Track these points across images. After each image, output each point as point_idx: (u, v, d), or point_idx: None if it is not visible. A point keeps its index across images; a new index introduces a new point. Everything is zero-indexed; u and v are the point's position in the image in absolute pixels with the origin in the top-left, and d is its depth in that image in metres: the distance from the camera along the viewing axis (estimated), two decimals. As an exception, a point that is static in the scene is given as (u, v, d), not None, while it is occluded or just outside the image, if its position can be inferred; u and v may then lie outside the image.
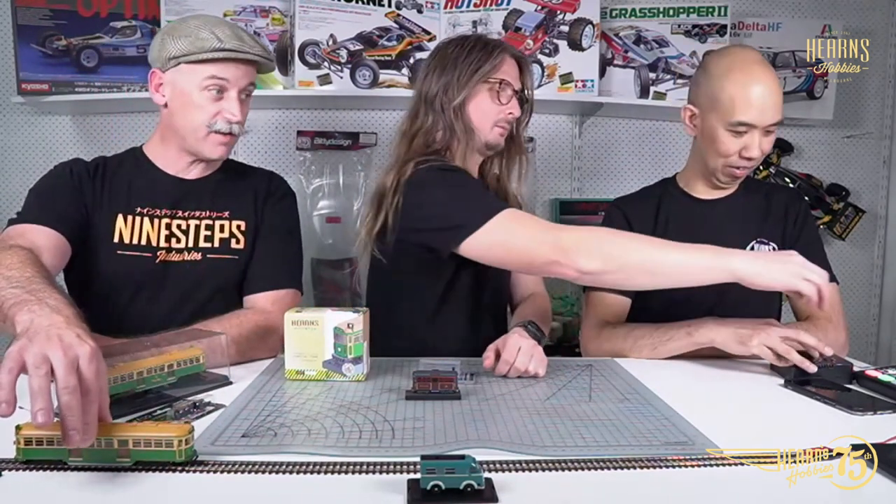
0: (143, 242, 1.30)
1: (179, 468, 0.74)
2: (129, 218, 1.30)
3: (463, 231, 1.20)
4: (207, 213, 1.36)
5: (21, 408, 0.92)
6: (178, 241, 1.33)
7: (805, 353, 1.16)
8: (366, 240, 1.39)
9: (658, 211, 1.51)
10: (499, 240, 1.19)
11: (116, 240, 1.29)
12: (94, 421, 0.70)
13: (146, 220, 1.31)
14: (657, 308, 1.47)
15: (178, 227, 1.33)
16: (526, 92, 1.42)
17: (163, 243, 1.31)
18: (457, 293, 1.43)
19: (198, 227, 1.34)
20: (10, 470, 0.73)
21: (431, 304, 1.42)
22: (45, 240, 1.18)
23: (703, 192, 1.50)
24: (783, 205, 1.48)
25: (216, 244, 1.35)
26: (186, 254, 1.33)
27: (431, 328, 1.43)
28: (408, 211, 1.29)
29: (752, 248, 1.45)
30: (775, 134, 1.38)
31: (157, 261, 1.30)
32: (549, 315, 1.51)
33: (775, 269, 1.08)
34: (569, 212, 2.29)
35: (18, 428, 0.74)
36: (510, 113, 1.38)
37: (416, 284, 1.42)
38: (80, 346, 0.72)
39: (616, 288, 1.37)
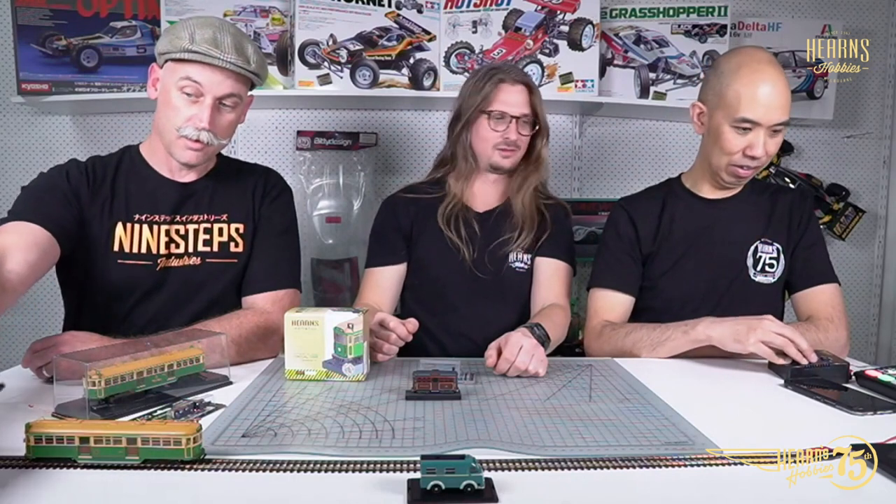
0: (144, 251, 1.29)
1: (187, 466, 0.74)
2: (129, 226, 1.29)
3: None
4: (206, 216, 1.35)
5: (30, 406, 0.93)
6: (178, 246, 1.32)
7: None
8: None
9: (663, 211, 1.51)
10: None
11: (116, 248, 1.28)
12: None
13: (145, 227, 1.30)
14: (660, 306, 1.48)
15: (177, 232, 1.32)
16: (537, 113, 1.53)
17: (163, 250, 1.30)
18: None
19: (196, 232, 1.33)
20: (15, 468, 0.73)
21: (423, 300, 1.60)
22: (21, 238, 1.11)
23: (708, 192, 1.49)
24: (788, 205, 1.48)
25: (215, 248, 1.34)
26: (186, 258, 1.32)
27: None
28: None
29: (756, 249, 1.44)
30: (782, 137, 1.38)
31: (158, 268, 1.30)
32: (561, 326, 1.44)
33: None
34: (569, 212, 2.28)
35: (28, 426, 0.74)
36: (507, 137, 1.50)
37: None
38: None
39: None
